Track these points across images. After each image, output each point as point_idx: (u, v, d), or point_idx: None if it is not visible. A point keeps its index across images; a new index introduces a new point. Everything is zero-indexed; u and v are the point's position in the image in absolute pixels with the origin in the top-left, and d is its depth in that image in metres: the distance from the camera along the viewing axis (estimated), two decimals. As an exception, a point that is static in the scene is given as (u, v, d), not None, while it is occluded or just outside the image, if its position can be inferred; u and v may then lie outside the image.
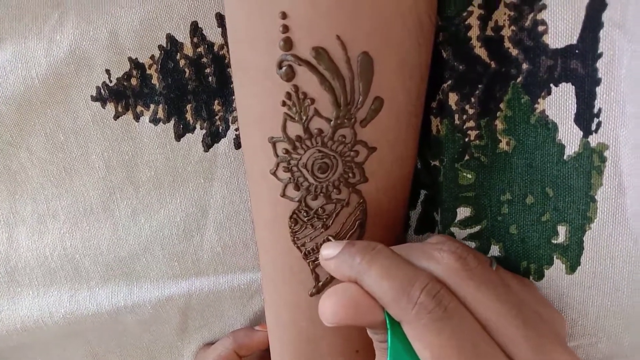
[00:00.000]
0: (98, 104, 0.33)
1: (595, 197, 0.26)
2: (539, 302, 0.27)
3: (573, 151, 0.26)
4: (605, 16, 0.24)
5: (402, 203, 0.30)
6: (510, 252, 0.29)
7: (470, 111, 0.27)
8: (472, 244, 0.29)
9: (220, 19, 0.31)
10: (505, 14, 0.26)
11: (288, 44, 0.24)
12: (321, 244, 0.28)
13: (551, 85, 0.26)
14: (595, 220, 0.27)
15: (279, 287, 0.31)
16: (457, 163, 0.28)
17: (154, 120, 0.33)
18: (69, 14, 0.31)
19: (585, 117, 0.26)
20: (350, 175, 0.27)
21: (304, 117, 0.25)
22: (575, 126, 0.26)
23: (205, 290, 0.37)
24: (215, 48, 0.32)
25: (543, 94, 0.26)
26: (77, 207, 0.36)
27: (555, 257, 0.28)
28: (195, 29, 0.32)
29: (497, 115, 0.27)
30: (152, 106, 0.33)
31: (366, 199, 0.28)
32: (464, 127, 0.28)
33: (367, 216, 0.28)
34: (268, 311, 0.33)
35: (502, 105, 0.27)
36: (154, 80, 0.32)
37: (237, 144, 0.34)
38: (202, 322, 0.39)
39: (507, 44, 0.26)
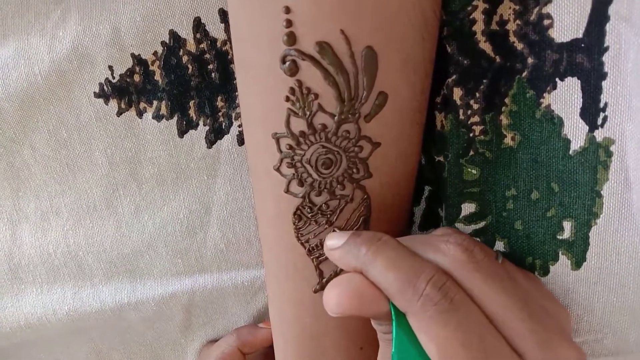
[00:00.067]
0: (101, 100, 0.33)
1: (601, 192, 0.26)
2: (545, 296, 0.27)
3: (579, 146, 0.26)
4: (612, 9, 0.24)
5: (406, 199, 0.30)
6: (515, 248, 0.29)
7: (475, 106, 0.27)
8: (477, 240, 0.29)
9: (223, 15, 0.31)
10: (510, 7, 0.26)
11: (292, 38, 0.24)
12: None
13: (557, 79, 0.26)
14: (601, 215, 0.27)
15: (283, 283, 0.31)
16: (462, 158, 0.28)
17: (157, 117, 0.33)
18: (71, 11, 0.31)
19: (591, 111, 0.25)
20: (354, 170, 0.27)
21: (308, 113, 0.25)
22: (581, 121, 0.26)
23: (208, 287, 0.37)
24: (218, 44, 0.32)
25: (548, 88, 0.26)
26: (81, 204, 0.36)
27: (560, 252, 0.28)
28: (198, 25, 0.31)
29: (502, 110, 0.27)
30: (155, 102, 0.33)
31: (370, 195, 0.28)
32: (469, 122, 0.28)
33: (371, 212, 0.28)
34: (272, 308, 0.33)
35: (507, 100, 0.27)
36: (157, 77, 0.32)
37: (240, 141, 0.34)
38: (205, 319, 0.39)
39: (512, 38, 0.26)
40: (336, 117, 0.25)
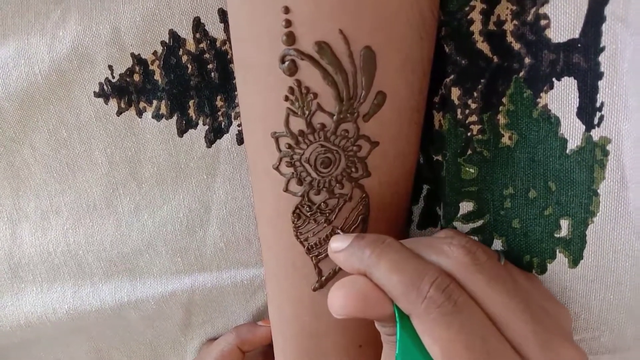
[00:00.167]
0: (101, 100, 0.33)
1: (598, 190, 0.26)
2: (545, 296, 0.27)
3: (575, 145, 0.26)
4: (608, 10, 0.24)
5: (405, 197, 0.30)
6: (512, 246, 0.29)
7: (473, 106, 0.27)
8: (475, 239, 0.30)
9: (223, 15, 0.31)
10: (507, 8, 0.26)
11: (291, 38, 0.24)
12: (324, 239, 0.29)
13: (553, 79, 0.26)
14: (598, 214, 0.27)
15: (282, 282, 0.31)
16: (460, 158, 0.28)
17: (157, 116, 0.33)
18: (71, 10, 0.31)
19: (588, 111, 0.26)
20: (353, 169, 0.27)
21: (307, 112, 0.25)
22: (577, 120, 0.26)
23: (208, 286, 0.37)
24: (218, 44, 0.32)
25: (545, 88, 0.26)
26: (80, 203, 0.36)
27: (558, 251, 0.28)
28: (197, 25, 0.32)
29: (500, 109, 0.27)
30: (154, 102, 0.33)
31: (369, 194, 0.28)
32: (467, 121, 0.28)
33: (370, 211, 0.28)
34: (271, 306, 0.33)
35: (504, 100, 0.27)
36: (157, 76, 0.32)
37: (240, 140, 0.34)
38: (205, 317, 0.39)
39: (509, 38, 0.26)
40: (335, 117, 0.25)
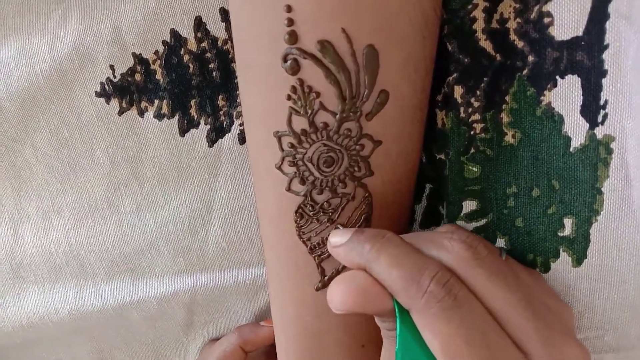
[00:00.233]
0: (102, 99, 0.33)
1: (602, 189, 0.26)
2: (548, 293, 0.27)
3: (579, 143, 0.26)
4: (612, 7, 0.24)
5: (408, 196, 0.30)
6: (516, 245, 0.29)
7: (476, 104, 0.27)
8: (481, 237, 0.29)
9: (224, 14, 0.31)
10: (510, 6, 0.26)
11: (293, 37, 0.24)
12: (327, 238, 0.28)
13: (557, 77, 0.26)
14: (602, 212, 0.27)
15: (284, 281, 0.31)
16: (463, 156, 0.28)
17: (159, 116, 0.33)
18: (72, 10, 0.31)
19: (592, 109, 0.26)
20: (356, 169, 0.27)
21: (310, 111, 0.25)
22: (581, 118, 0.26)
23: (210, 286, 0.37)
24: (219, 43, 0.32)
25: (549, 86, 0.26)
26: (82, 204, 0.36)
27: (561, 249, 0.28)
28: (199, 24, 0.31)
29: (503, 107, 0.27)
30: (156, 102, 0.33)
31: (372, 193, 0.28)
32: (470, 120, 0.28)
33: (372, 210, 0.28)
34: (273, 306, 0.33)
35: (507, 98, 0.27)
36: (158, 76, 0.32)
37: (242, 139, 0.34)
38: (207, 317, 0.39)
39: (512, 36, 0.26)
40: (338, 116, 0.25)
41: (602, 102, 0.25)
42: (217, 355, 0.38)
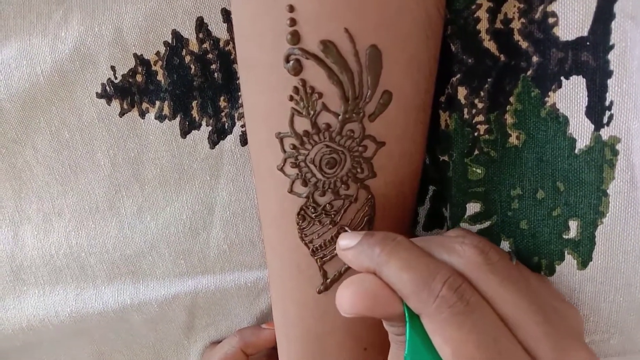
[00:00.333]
0: (103, 100, 0.33)
1: (607, 191, 0.26)
2: (556, 297, 0.27)
3: (584, 145, 0.26)
4: (617, 7, 0.24)
5: (411, 198, 0.30)
6: (520, 248, 0.28)
7: (480, 105, 0.27)
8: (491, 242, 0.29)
9: (226, 14, 0.31)
10: (514, 6, 0.25)
11: (295, 37, 0.24)
12: (329, 241, 0.28)
13: (562, 78, 0.26)
14: (608, 214, 0.26)
15: (286, 284, 0.31)
16: (467, 158, 0.28)
17: (160, 117, 0.33)
18: (73, 11, 0.31)
19: (597, 110, 0.25)
20: (359, 170, 0.27)
21: (312, 112, 0.25)
22: (586, 119, 0.26)
23: (211, 289, 0.37)
24: (221, 44, 0.32)
25: (553, 87, 0.26)
26: (83, 205, 0.35)
27: (566, 252, 0.28)
28: (200, 25, 0.31)
29: (507, 109, 0.27)
30: (157, 103, 0.33)
31: (374, 195, 0.27)
32: (473, 121, 0.27)
33: (375, 212, 0.28)
34: (275, 309, 0.33)
35: (511, 99, 0.27)
36: (160, 77, 0.32)
37: (244, 141, 0.34)
38: (208, 320, 0.39)
39: (516, 36, 0.26)
40: (340, 117, 0.25)
41: (607, 103, 0.25)
42: (218, 358, 0.38)
